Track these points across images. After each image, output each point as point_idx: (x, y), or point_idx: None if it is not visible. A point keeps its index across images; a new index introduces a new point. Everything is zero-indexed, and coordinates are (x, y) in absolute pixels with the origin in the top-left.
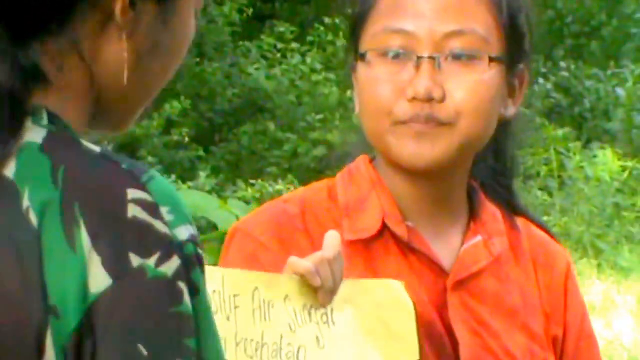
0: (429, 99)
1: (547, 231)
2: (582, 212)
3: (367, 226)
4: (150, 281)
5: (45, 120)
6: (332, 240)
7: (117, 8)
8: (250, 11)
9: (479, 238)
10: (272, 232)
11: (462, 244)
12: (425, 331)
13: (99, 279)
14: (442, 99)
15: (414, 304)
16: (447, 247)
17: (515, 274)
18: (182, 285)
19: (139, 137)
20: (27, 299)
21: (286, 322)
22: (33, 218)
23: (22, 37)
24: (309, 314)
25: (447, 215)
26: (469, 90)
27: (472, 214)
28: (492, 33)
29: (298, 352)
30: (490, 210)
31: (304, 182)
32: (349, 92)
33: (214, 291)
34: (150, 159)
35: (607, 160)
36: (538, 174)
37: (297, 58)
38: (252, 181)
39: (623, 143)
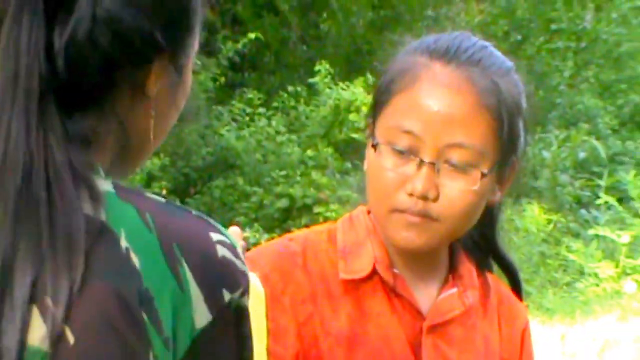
0: (425, 198)
1: (518, 283)
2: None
3: (360, 269)
4: (235, 311)
5: (103, 174)
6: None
7: (150, 85)
8: (222, 80)
9: (454, 290)
10: (274, 264)
11: (440, 293)
12: None
13: (202, 315)
14: (435, 199)
15: (265, 293)
16: (427, 294)
17: (482, 324)
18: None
19: None
20: (137, 332)
21: None
22: (135, 258)
23: (72, 111)
24: None
25: (430, 268)
26: (460, 197)
27: (452, 267)
28: (490, 145)
29: None
30: (467, 266)
31: (269, 230)
32: (308, 152)
33: None
34: None
35: (534, 214)
36: None
37: (263, 121)
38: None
39: (548, 199)
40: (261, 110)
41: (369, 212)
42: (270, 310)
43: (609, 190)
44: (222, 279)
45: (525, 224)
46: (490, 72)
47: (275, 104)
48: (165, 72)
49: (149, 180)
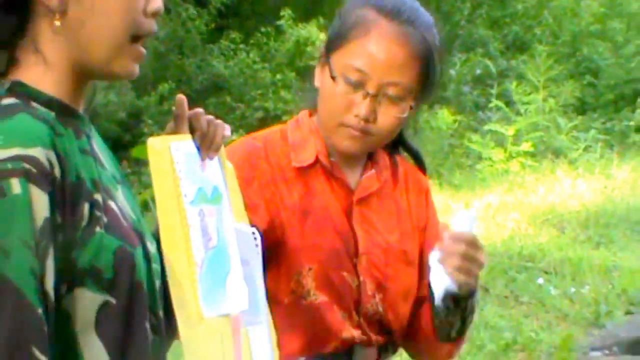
0: (366, 120)
1: (422, 161)
2: (429, 150)
3: (306, 158)
4: None
5: (3, 89)
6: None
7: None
8: (212, 25)
9: (372, 171)
10: (244, 157)
11: (362, 174)
12: (337, 229)
13: None
14: (374, 121)
15: (233, 167)
16: (354, 176)
17: (394, 194)
18: None
19: (143, 108)
20: None
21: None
22: None
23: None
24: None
25: (356, 157)
26: (392, 121)
27: (370, 155)
28: (417, 84)
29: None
30: (381, 154)
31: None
32: (277, 76)
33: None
34: (150, 122)
35: (444, 116)
36: None
37: (244, 55)
38: None
39: (454, 105)
40: (242, 46)
41: (310, 115)
42: (244, 191)
43: (498, 96)
44: None
45: (438, 124)
46: (420, 29)
47: (252, 41)
48: None
49: (161, 99)
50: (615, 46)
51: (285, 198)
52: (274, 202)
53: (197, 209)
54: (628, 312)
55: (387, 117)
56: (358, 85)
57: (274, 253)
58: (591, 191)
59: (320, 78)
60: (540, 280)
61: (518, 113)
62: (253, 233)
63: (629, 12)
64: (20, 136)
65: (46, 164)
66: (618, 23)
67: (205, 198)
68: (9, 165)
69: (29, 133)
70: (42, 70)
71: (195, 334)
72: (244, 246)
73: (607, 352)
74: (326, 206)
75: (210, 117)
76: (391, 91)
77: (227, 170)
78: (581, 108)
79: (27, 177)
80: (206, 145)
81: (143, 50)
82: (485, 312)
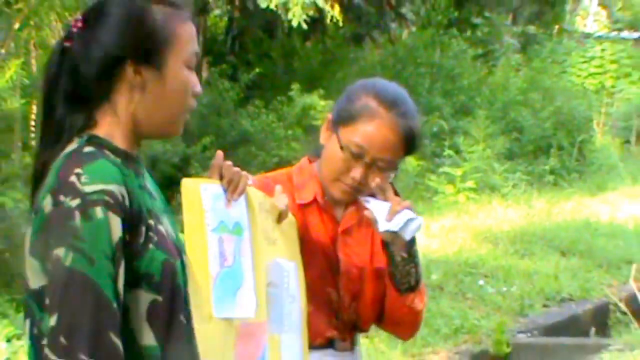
0: (359, 182)
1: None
2: (399, 186)
3: (306, 197)
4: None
5: (83, 140)
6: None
7: (129, 75)
8: (241, 95)
9: (353, 208)
10: (260, 189)
11: (345, 210)
12: (325, 254)
13: (48, 206)
14: (363, 184)
15: (295, 219)
16: (340, 211)
17: (368, 223)
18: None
19: (190, 155)
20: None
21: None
22: (44, 185)
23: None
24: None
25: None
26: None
27: None
28: (400, 159)
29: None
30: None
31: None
32: (289, 132)
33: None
34: (196, 165)
35: (410, 161)
36: None
37: (264, 116)
38: None
39: (417, 153)
40: (263, 110)
41: (310, 162)
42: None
43: (450, 147)
44: (60, 190)
45: (406, 167)
46: (408, 120)
47: (270, 107)
48: (134, 75)
49: (204, 148)
50: (534, 111)
51: None
52: None
53: (217, 236)
54: (545, 305)
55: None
56: (357, 156)
57: None
58: (517, 217)
59: (326, 140)
60: (481, 282)
61: (464, 159)
62: (284, 267)
63: (544, 87)
64: (102, 176)
65: (120, 196)
66: (536, 94)
67: (226, 229)
68: (95, 197)
69: (107, 174)
70: (114, 128)
71: (205, 329)
72: (276, 274)
73: (529, 334)
74: (318, 236)
75: (237, 169)
76: (381, 163)
77: (270, 215)
78: (510, 156)
79: (107, 206)
80: (231, 189)
81: (188, 116)
82: (440, 305)
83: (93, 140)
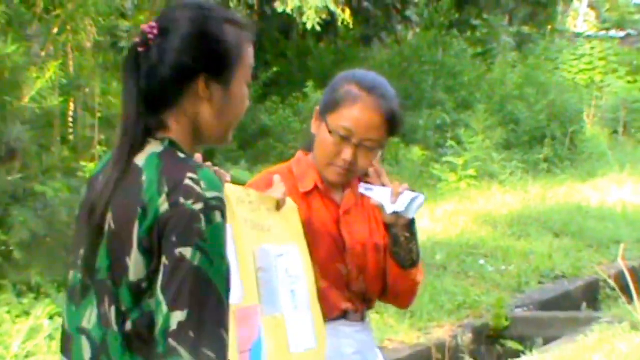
0: (350, 163)
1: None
2: (405, 174)
3: (308, 185)
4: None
5: (166, 143)
6: (279, 180)
7: (200, 87)
8: (261, 92)
9: (349, 190)
10: (266, 184)
11: (343, 192)
12: (330, 234)
13: (165, 205)
14: (354, 164)
15: (297, 206)
16: (339, 195)
17: (365, 204)
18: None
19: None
20: (136, 207)
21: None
22: (145, 182)
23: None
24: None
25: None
26: (367, 163)
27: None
28: (385, 139)
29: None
30: (354, 179)
31: None
32: (304, 126)
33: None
34: (220, 156)
35: (416, 152)
36: None
37: (281, 112)
38: None
39: (423, 143)
40: (280, 106)
41: (306, 154)
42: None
43: (452, 138)
44: (182, 192)
45: (412, 157)
46: (389, 101)
47: (287, 103)
48: (208, 88)
49: None
50: (529, 104)
51: None
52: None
53: None
54: (540, 283)
55: (364, 161)
56: (345, 138)
57: None
58: (514, 201)
59: (316, 129)
60: (482, 261)
61: (465, 150)
62: (270, 252)
63: (539, 82)
64: (215, 183)
65: (226, 204)
66: (531, 89)
67: None
68: (214, 203)
69: (218, 182)
70: (181, 132)
71: None
72: (263, 259)
73: (525, 309)
74: (322, 219)
75: (217, 168)
76: (368, 143)
77: (262, 205)
78: (507, 146)
79: (222, 211)
80: None
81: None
82: (444, 283)
83: (174, 145)
